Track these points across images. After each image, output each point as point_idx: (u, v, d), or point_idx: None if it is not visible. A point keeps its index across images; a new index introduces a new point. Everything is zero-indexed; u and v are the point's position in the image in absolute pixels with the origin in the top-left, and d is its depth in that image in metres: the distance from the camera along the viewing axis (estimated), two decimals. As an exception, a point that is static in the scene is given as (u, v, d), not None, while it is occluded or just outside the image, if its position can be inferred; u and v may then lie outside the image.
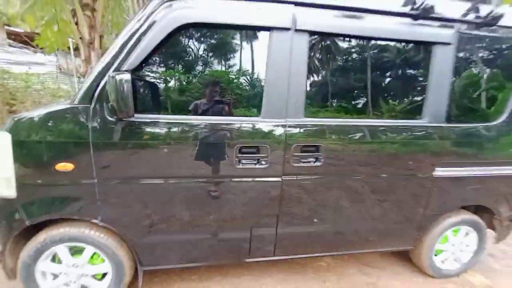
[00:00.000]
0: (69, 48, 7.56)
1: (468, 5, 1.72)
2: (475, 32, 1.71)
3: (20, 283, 1.52)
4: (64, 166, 1.36)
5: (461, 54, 1.71)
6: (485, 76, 1.81)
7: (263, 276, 2.04)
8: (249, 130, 1.51)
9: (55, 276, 1.57)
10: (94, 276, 1.63)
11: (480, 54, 1.77)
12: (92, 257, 1.58)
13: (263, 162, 1.54)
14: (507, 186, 1.97)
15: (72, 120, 1.34)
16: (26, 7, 6.84)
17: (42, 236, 1.47)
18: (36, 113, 1.35)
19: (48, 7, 6.61)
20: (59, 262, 1.55)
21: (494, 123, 1.84)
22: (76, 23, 6.13)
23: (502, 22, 1.71)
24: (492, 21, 1.70)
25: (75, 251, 1.55)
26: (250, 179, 1.57)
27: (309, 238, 1.81)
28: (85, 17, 5.95)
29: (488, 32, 1.73)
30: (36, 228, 1.47)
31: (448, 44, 1.67)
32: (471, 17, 1.69)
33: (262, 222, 1.68)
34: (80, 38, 6.14)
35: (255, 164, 1.54)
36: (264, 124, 1.52)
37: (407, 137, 1.73)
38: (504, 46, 1.79)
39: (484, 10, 1.69)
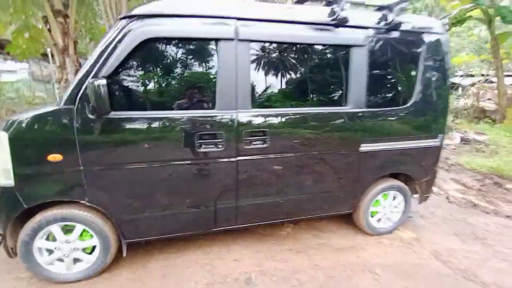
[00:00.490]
0: (42, 55, 7.54)
1: (378, 14, 2.20)
2: (383, 36, 2.19)
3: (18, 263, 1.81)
4: (55, 157, 1.68)
5: (373, 54, 2.18)
6: (393, 69, 2.30)
7: (230, 244, 2.43)
8: (206, 120, 1.89)
9: (50, 252, 1.87)
10: (84, 250, 1.94)
11: (388, 53, 2.25)
12: (81, 234, 1.90)
13: (219, 146, 1.92)
14: (419, 156, 2.48)
15: (59, 119, 1.66)
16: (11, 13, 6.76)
17: (38, 218, 1.77)
18: (28, 115, 1.65)
19: (18, 15, 6.59)
20: (54, 239, 1.85)
21: (404, 106, 2.33)
22: (49, 30, 6.19)
23: (402, 28, 2.20)
24: (395, 27, 2.18)
25: (67, 230, 1.86)
26: (210, 160, 1.95)
27: (264, 207, 2.22)
28: (57, 23, 6.02)
29: (393, 35, 2.21)
30: (33, 211, 1.77)
31: (362, 45, 2.13)
32: (379, 24, 2.17)
33: (224, 196, 2.07)
34: (54, 44, 6.20)
35: (213, 147, 1.92)
36: (218, 115, 1.90)
37: (336, 121, 2.18)
38: (405, 46, 2.29)
39: (389, 18, 2.17)
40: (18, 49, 6.97)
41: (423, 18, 2.47)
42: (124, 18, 1.70)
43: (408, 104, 2.34)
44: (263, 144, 2.02)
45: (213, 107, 1.90)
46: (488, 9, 8.18)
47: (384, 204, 2.60)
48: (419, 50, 2.31)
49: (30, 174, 1.68)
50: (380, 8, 2.25)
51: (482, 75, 12.10)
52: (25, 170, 1.67)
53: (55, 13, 5.93)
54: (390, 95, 2.35)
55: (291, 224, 2.80)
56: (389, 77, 2.32)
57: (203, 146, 1.90)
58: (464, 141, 6.35)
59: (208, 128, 1.90)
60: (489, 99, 11.70)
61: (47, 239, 1.85)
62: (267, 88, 2.08)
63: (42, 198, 1.74)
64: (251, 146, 2.00)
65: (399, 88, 2.36)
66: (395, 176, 2.62)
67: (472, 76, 13.16)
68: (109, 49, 1.66)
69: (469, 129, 8.03)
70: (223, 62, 1.86)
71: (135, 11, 1.71)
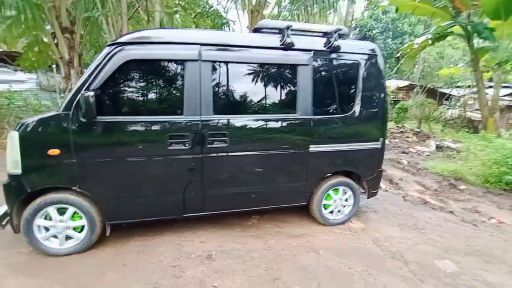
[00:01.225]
0: (49, 66, 8.17)
1: (321, 39, 2.69)
2: (325, 56, 2.68)
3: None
4: (54, 152, 2.15)
5: (316, 71, 2.66)
6: (334, 84, 2.78)
7: (200, 229, 2.85)
8: (175, 124, 2.36)
9: (47, 229, 2.32)
10: (74, 229, 2.38)
11: (330, 70, 2.73)
12: (73, 215, 2.34)
13: (187, 145, 2.39)
14: (362, 157, 2.92)
15: (58, 122, 2.14)
16: (5, 28, 7.44)
17: (38, 200, 2.22)
18: (34, 118, 2.14)
19: (29, 31, 7.27)
20: (50, 219, 2.30)
21: (346, 114, 2.79)
22: (56, 44, 6.83)
23: (341, 50, 2.69)
24: (334, 49, 2.67)
25: (61, 211, 2.31)
26: (179, 156, 2.41)
27: (227, 198, 2.65)
28: (64, 39, 6.65)
29: (332, 56, 2.69)
30: (34, 195, 2.22)
31: (307, 65, 2.61)
32: (321, 47, 2.66)
33: (191, 186, 2.51)
34: (60, 57, 6.82)
35: (182, 146, 2.38)
36: (186, 120, 2.37)
37: (287, 125, 2.64)
38: (344, 64, 2.77)
39: (329, 42, 2.66)
40: (27, 61, 7.62)
41: (360, 42, 2.95)
42: (110, 45, 2.20)
43: (349, 113, 2.80)
44: (224, 143, 2.48)
45: (181, 114, 2.37)
46: (466, 26, 8.72)
47: (335, 198, 3.02)
48: (357, 68, 2.79)
49: (34, 165, 2.15)
50: (324, 34, 2.75)
51: (468, 86, 12.57)
52: (30, 162, 2.13)
53: (63, 29, 6.57)
54: (333, 104, 2.81)
55: (257, 215, 3.22)
56: (331, 90, 2.79)
57: (173, 144, 2.36)
58: (439, 148, 6.75)
59: (177, 130, 2.36)
60: (476, 109, 12.14)
61: (45, 218, 2.30)
62: (227, 98, 2.56)
63: (43, 184, 2.20)
64: (214, 145, 2.46)
65: (341, 99, 2.82)
66: (348, 174, 3.05)
67: (459, 87, 13.64)
68: (98, 68, 2.16)
69: (451, 137, 8.43)
70: (189, 77, 2.35)
71: (119, 40, 2.22)
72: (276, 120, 2.62)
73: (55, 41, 6.88)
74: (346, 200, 3.08)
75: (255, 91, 2.63)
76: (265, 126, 2.58)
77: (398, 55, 11.51)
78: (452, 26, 9.07)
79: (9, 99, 7.12)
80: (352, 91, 2.80)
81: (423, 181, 4.63)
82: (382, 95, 2.89)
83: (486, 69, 9.85)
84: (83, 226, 2.38)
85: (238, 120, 2.51)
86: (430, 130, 9.73)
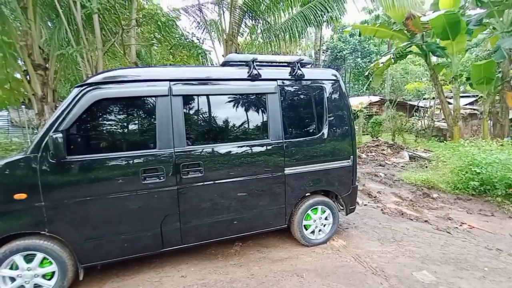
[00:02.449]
0: (22, 103, 7.96)
1: (285, 69, 2.90)
2: (290, 84, 2.87)
3: (-15, 288, 2.09)
4: (20, 196, 2.08)
5: (284, 98, 2.83)
6: (302, 109, 2.96)
7: (181, 263, 2.77)
8: (149, 158, 2.38)
9: (13, 280, 2.17)
10: (44, 276, 2.24)
11: (296, 97, 2.92)
12: (42, 262, 2.22)
13: (161, 177, 2.40)
14: (335, 175, 3.04)
15: (26, 165, 2.10)
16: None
17: (3, 249, 2.10)
18: (0, 163, 2.08)
19: (0, 70, 7.14)
20: (16, 268, 2.16)
21: (315, 136, 2.94)
22: (29, 81, 6.73)
23: (305, 78, 2.90)
24: (298, 77, 2.87)
25: (28, 258, 2.19)
26: (154, 190, 2.40)
27: (205, 227, 2.63)
28: (37, 75, 6.59)
29: (297, 84, 2.89)
30: (-1, 244, 2.10)
31: (274, 93, 2.78)
32: (285, 76, 2.86)
33: (168, 220, 2.48)
34: (33, 94, 6.70)
35: (156, 179, 2.38)
36: (159, 153, 2.40)
37: (262, 150, 2.73)
38: (309, 91, 2.97)
39: (293, 71, 2.87)
40: (-2, 99, 7.40)
41: (322, 70, 3.21)
42: (78, 86, 2.25)
43: (319, 134, 2.95)
44: (199, 173, 2.51)
45: (154, 147, 2.41)
46: (422, 46, 9.62)
47: (314, 218, 3.08)
48: (321, 93, 3.00)
49: (-2, 211, 2.06)
50: (288, 64, 2.96)
51: (433, 98, 13.57)
52: (-6, 208, 2.05)
53: (35, 66, 6.53)
54: (303, 127, 2.97)
55: (240, 242, 3.18)
56: (300, 114, 2.96)
57: (147, 178, 2.36)
58: (412, 158, 7.11)
59: (151, 164, 2.38)
60: (443, 119, 13.02)
61: (11, 268, 2.16)
62: (200, 129, 2.64)
63: (8, 231, 2.09)
64: (189, 176, 2.48)
65: (310, 122, 2.99)
66: (325, 193, 3.14)
67: (426, 99, 14.69)
68: (67, 110, 2.18)
69: (423, 147, 8.92)
70: (161, 112, 2.42)
71: (88, 81, 2.28)
72: (250, 146, 2.71)
73: (28, 78, 6.79)
74: (325, 218, 3.14)
75: (227, 120, 2.73)
76: (239, 153, 2.66)
77: (366, 73, 12.34)
78: (410, 46, 9.99)
79: (-24, 139, 6.77)
80: (319, 114, 2.99)
81: (399, 193, 4.82)
82: (348, 115, 3.10)
83: (445, 82, 10.75)
84: (53, 273, 2.25)
85: (212, 149, 2.58)
86: (404, 142, 10.26)
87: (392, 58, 10.13)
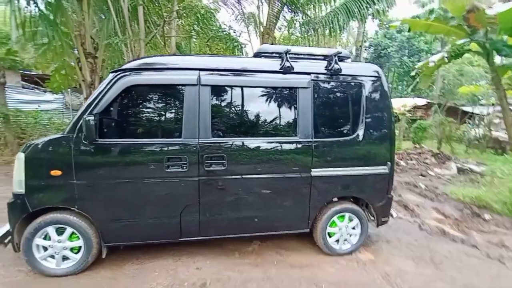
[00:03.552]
0: (75, 87, 8.78)
1: (321, 63, 2.68)
2: (325, 79, 2.64)
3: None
4: (56, 172, 2.22)
5: (317, 94, 2.62)
6: (336, 106, 2.71)
7: (198, 255, 2.76)
8: (174, 147, 2.37)
9: (45, 249, 2.34)
10: (72, 250, 2.39)
11: (331, 93, 2.68)
12: (71, 235, 2.36)
13: (184, 167, 2.38)
14: (368, 182, 2.76)
15: (62, 144, 2.22)
16: (39, 53, 8.19)
17: (39, 220, 2.27)
18: (41, 140, 2.24)
19: (58, 57, 7.93)
20: (49, 239, 2.32)
21: (349, 137, 2.69)
22: (80, 68, 7.36)
23: (342, 73, 2.65)
24: (335, 72, 2.63)
25: (60, 231, 2.34)
26: (176, 179, 2.39)
27: (225, 222, 2.58)
28: (88, 63, 7.16)
29: (333, 79, 2.65)
30: (36, 215, 2.27)
31: (307, 88, 2.59)
32: (320, 70, 2.64)
33: (188, 210, 2.46)
34: (83, 80, 7.32)
35: (179, 168, 2.37)
36: (184, 143, 2.38)
37: (288, 149, 2.58)
38: (345, 87, 2.71)
39: (329, 64, 2.64)
40: (55, 83, 8.24)
41: (362, 65, 2.91)
42: (114, 71, 2.31)
43: (353, 136, 2.69)
44: (222, 166, 2.45)
45: (180, 136, 2.39)
46: (484, 44, 8.43)
47: (340, 225, 2.84)
48: (360, 90, 2.72)
49: (37, 185, 2.21)
50: (324, 57, 2.73)
51: (492, 104, 11.94)
52: (34, 182, 2.20)
53: (86, 55, 7.09)
54: (335, 127, 2.73)
55: (259, 241, 3.09)
56: (333, 112, 2.72)
57: (170, 167, 2.36)
58: (461, 171, 6.31)
59: (175, 153, 2.37)
60: (503, 128, 11.43)
61: (44, 238, 2.33)
62: (226, 121, 2.56)
63: (44, 204, 2.25)
64: (211, 168, 2.43)
65: (344, 122, 2.74)
66: (355, 200, 2.89)
67: (482, 105, 13.00)
68: (102, 94, 2.25)
69: (475, 159, 7.90)
70: (188, 101, 2.38)
71: (123, 66, 2.32)
72: (276, 143, 2.56)
73: (79, 65, 7.43)
74: (353, 228, 2.88)
75: (254, 114, 2.62)
76: (264, 149, 2.53)
77: (413, 73, 11.28)
78: (468, 44, 8.81)
79: (35, 118, 7.63)
80: (355, 113, 2.72)
81: (442, 208, 4.29)
82: (388, 117, 2.77)
83: (510, 86, 9.34)
84: (80, 247, 2.38)
85: (237, 143, 2.49)
86: (451, 151, 9.20)
87: (446, 57, 9.04)
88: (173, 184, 2.40)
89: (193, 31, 7.69)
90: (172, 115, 2.49)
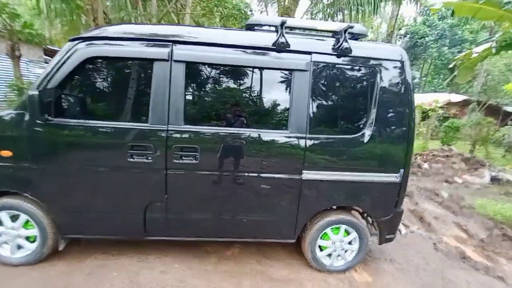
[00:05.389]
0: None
1: (326, 40, 2.15)
2: (329, 60, 2.11)
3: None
4: (6, 153, 1.97)
5: (317, 79, 2.11)
6: (341, 97, 2.19)
7: (167, 255, 2.46)
8: (138, 133, 2.02)
9: (-1, 235, 2.15)
10: (27, 239, 2.18)
11: (336, 79, 2.15)
12: (26, 223, 2.14)
13: (149, 158, 2.03)
14: (373, 191, 2.25)
15: (12, 122, 1.95)
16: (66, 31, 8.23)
17: (-10, 204, 2.07)
18: (-10, 116, 1.98)
19: (73, 31, 7.88)
20: (2, 224, 2.13)
21: (354, 136, 2.17)
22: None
23: (352, 54, 2.10)
24: (343, 53, 2.09)
25: (13, 218, 2.13)
26: (139, 170, 2.06)
27: (195, 223, 2.24)
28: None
29: (340, 61, 2.12)
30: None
31: (304, 70, 2.08)
32: (324, 49, 2.11)
33: (153, 206, 2.14)
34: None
35: (143, 158, 2.03)
36: (150, 129, 2.02)
37: (275, 144, 2.13)
38: (356, 73, 2.16)
39: (336, 42, 2.10)
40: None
41: (381, 45, 2.33)
42: (72, 39, 1.96)
43: (358, 134, 2.17)
44: (193, 160, 2.07)
45: (146, 121, 2.03)
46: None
47: (334, 239, 2.39)
48: (373, 77, 2.16)
49: (-13, 166, 1.99)
50: (333, 34, 2.19)
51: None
52: (-16, 162, 1.98)
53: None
54: (336, 122, 2.22)
55: (240, 245, 2.74)
56: (335, 104, 2.20)
57: (134, 156, 2.03)
58: (495, 180, 5.47)
59: (139, 140, 2.02)
60: (554, 134, 9.99)
61: (-2, 223, 2.14)
62: (202, 106, 2.16)
63: (-6, 188, 2.03)
64: (181, 161, 2.06)
65: (347, 116, 2.22)
66: (355, 210, 2.42)
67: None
68: (57, 65, 1.93)
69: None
70: (157, 80, 1.99)
71: (83, 34, 1.96)
72: (261, 137, 2.12)
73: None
74: (349, 243, 2.43)
75: (237, 100, 2.18)
76: (246, 143, 2.11)
77: (451, 65, 10.00)
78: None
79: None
80: (364, 106, 2.18)
81: (466, 225, 3.65)
82: (409, 113, 2.20)
83: None
84: (35, 236, 2.17)
85: (213, 133, 2.08)
86: (486, 156, 8.13)
87: (494, 47, 7.77)
88: (137, 176, 2.08)
89: (206, 8, 7.21)
90: (138, 96, 2.12)
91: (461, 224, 3.66)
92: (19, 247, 2.18)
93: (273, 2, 9.17)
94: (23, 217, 2.11)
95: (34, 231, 2.15)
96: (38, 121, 1.92)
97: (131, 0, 6.98)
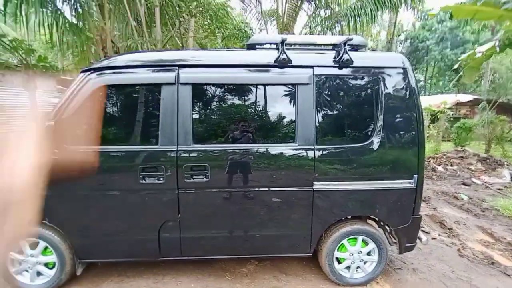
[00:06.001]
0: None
1: (327, 53, 2.21)
2: (332, 74, 2.16)
3: None
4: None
5: (321, 91, 2.15)
6: (346, 107, 2.21)
7: (183, 275, 2.44)
8: (149, 155, 2.08)
9: (19, 263, 2.19)
10: (46, 265, 2.22)
11: (340, 90, 2.19)
12: (44, 250, 2.18)
13: (161, 179, 2.07)
14: (387, 198, 2.21)
15: (31, 151, 2.05)
16: (77, 61, 8.72)
17: (11, 232, 2.12)
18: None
19: (83, 61, 8.32)
20: (22, 252, 2.17)
21: (362, 144, 2.16)
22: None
23: (354, 65, 2.14)
24: (344, 64, 2.13)
25: (33, 245, 2.17)
26: (152, 192, 2.10)
27: (208, 241, 2.23)
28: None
29: (342, 72, 2.15)
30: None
31: (308, 84, 2.13)
32: (325, 62, 2.16)
33: (167, 226, 2.16)
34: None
35: (155, 179, 2.08)
36: (160, 151, 2.08)
37: (284, 158, 2.14)
38: (359, 82, 2.19)
39: (338, 56, 2.15)
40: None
41: (382, 54, 2.36)
42: (84, 71, 2.08)
43: (366, 142, 2.17)
44: (204, 178, 2.10)
45: (156, 143, 2.09)
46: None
47: (351, 250, 2.33)
48: (377, 85, 2.18)
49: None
50: (333, 47, 2.25)
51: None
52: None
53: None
54: (343, 132, 2.22)
55: (256, 261, 2.69)
56: (341, 114, 2.22)
57: (146, 178, 2.07)
58: (516, 180, 5.25)
59: (150, 162, 2.08)
60: None
61: (17, 252, 2.18)
62: (210, 125, 2.21)
63: (14, 216, 2.09)
64: (192, 180, 2.09)
65: (355, 125, 2.22)
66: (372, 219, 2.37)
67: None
68: (71, 96, 2.04)
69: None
70: (166, 103, 2.07)
71: (93, 66, 2.09)
72: (269, 151, 2.14)
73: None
74: (368, 253, 2.35)
75: (244, 117, 2.22)
76: (255, 158, 2.13)
77: (456, 66, 9.93)
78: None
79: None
80: (370, 114, 2.19)
81: (490, 228, 3.49)
82: (416, 118, 2.19)
83: None
84: (54, 263, 2.21)
85: (222, 151, 2.12)
86: (503, 155, 7.86)
87: (497, 46, 7.72)
88: (150, 198, 2.11)
89: (208, 30, 7.52)
90: (148, 119, 2.20)
91: (485, 227, 3.50)
92: (39, 273, 2.22)
93: (272, 19, 9.49)
94: (42, 244, 2.16)
95: (52, 257, 2.18)
96: (54, 150, 2.00)
97: (137, 28, 7.35)
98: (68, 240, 2.15)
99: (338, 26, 8.54)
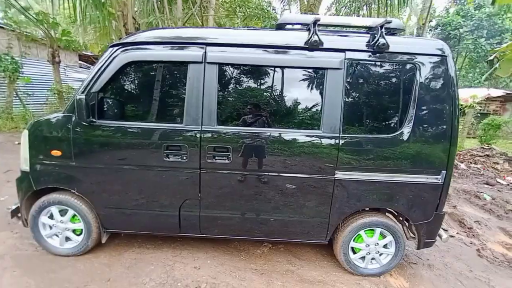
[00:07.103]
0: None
1: (359, 37, 2.08)
2: (364, 58, 2.04)
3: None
4: (56, 152, 2.14)
5: (352, 77, 2.05)
6: (376, 94, 2.10)
7: (200, 251, 2.53)
8: (173, 134, 2.09)
9: (50, 227, 2.34)
10: (74, 231, 2.36)
11: (372, 77, 2.07)
12: (73, 217, 2.31)
13: (184, 157, 2.10)
14: (411, 192, 2.14)
15: (62, 124, 2.11)
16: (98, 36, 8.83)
17: (43, 199, 2.25)
18: (43, 119, 2.16)
19: (104, 37, 8.37)
20: (52, 218, 2.31)
21: (390, 135, 2.08)
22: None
23: (389, 50, 2.01)
24: (379, 49, 2.01)
25: (63, 212, 2.31)
26: (175, 169, 2.14)
27: (227, 221, 2.27)
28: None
29: (377, 58, 2.03)
30: (42, 193, 2.26)
31: (338, 68, 2.03)
32: (359, 46, 2.04)
33: (188, 204, 2.21)
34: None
35: (178, 158, 2.11)
36: (184, 130, 2.09)
37: (307, 144, 2.10)
38: (392, 69, 2.06)
39: (372, 39, 2.02)
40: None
41: (420, 40, 2.19)
42: (112, 46, 2.08)
43: (396, 133, 2.08)
44: (226, 160, 2.11)
45: (181, 122, 2.10)
46: None
47: (368, 242, 2.31)
48: (413, 73, 2.05)
49: (39, 164, 2.17)
50: (368, 29, 2.11)
51: None
52: (36, 160, 2.16)
53: (128, 35, 7.28)
54: (371, 121, 2.13)
55: (270, 244, 2.75)
56: (371, 102, 2.12)
57: (169, 156, 2.10)
58: (545, 183, 4.97)
59: (174, 140, 2.10)
60: None
61: (49, 217, 2.32)
62: (235, 107, 2.18)
63: (46, 183, 2.21)
64: (214, 161, 2.11)
65: (384, 115, 2.12)
66: (391, 213, 2.33)
67: None
68: (100, 70, 2.05)
69: None
70: (192, 82, 2.05)
71: (122, 40, 2.07)
72: (292, 137, 2.10)
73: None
74: (384, 246, 2.33)
75: (269, 100, 2.18)
76: (277, 143, 2.10)
77: (491, 57, 9.21)
78: None
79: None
80: (402, 104, 2.08)
81: (512, 230, 3.36)
82: (452, 111, 2.06)
83: None
84: (82, 230, 2.34)
85: (246, 134, 2.10)
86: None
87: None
88: (172, 175, 2.15)
89: (229, 9, 7.29)
90: (174, 98, 2.20)
91: (508, 229, 3.38)
92: (67, 239, 2.37)
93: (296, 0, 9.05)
94: (71, 212, 2.28)
95: (80, 225, 2.31)
96: (83, 123, 2.06)
97: (159, 5, 7.24)
98: (94, 210, 2.26)
99: (365, 9, 8.05)
